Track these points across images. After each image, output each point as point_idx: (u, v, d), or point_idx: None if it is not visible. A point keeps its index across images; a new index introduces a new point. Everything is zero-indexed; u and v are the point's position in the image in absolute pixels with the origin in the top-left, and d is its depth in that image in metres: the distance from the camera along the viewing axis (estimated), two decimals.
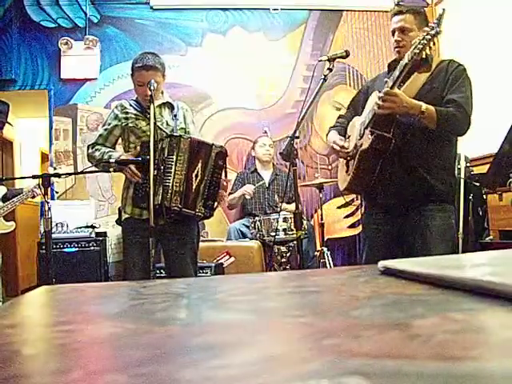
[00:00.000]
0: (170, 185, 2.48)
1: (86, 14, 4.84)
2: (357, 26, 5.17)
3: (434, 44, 1.96)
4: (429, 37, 1.95)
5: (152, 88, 2.51)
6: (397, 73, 2.06)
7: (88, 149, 2.69)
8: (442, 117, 2.07)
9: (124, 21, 4.92)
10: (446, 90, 2.15)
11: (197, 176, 2.56)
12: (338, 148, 2.33)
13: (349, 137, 2.39)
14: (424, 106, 2.06)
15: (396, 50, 2.26)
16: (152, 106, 2.48)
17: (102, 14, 4.89)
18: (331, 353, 0.26)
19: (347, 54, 2.44)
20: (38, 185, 3.56)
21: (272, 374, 0.24)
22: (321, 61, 2.46)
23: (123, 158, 2.53)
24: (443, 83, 2.16)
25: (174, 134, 2.59)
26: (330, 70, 2.37)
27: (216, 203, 2.61)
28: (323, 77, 2.36)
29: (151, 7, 4.94)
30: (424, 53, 1.96)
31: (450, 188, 2.23)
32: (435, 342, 0.27)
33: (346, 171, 2.34)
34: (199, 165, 2.56)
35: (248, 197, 4.18)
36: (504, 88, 4.07)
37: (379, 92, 2.12)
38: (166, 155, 2.51)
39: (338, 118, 2.55)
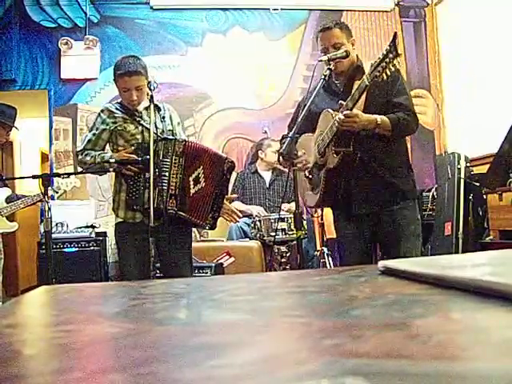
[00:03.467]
0: (166, 188, 2.49)
1: (86, 13, 4.84)
2: (357, 26, 5.17)
3: (393, 66, 1.95)
4: (387, 59, 1.95)
5: (152, 88, 2.51)
6: (356, 95, 2.10)
7: (77, 155, 2.65)
8: (395, 124, 2.19)
9: (124, 21, 4.91)
10: (388, 93, 2.25)
11: (196, 182, 2.56)
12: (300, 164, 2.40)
13: (304, 153, 2.42)
14: (378, 118, 2.16)
15: (347, 54, 2.34)
16: (151, 106, 2.48)
17: (102, 14, 4.89)
18: (331, 353, 0.26)
19: (347, 54, 2.44)
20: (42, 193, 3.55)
21: (272, 374, 0.24)
22: (321, 61, 2.45)
23: (123, 158, 2.52)
24: (385, 87, 2.24)
25: (168, 137, 2.58)
26: (330, 69, 2.37)
27: (219, 214, 2.66)
28: (323, 77, 2.36)
29: (151, 7, 4.94)
30: (385, 75, 1.98)
31: (410, 184, 2.33)
32: (435, 341, 0.27)
33: (312, 189, 2.42)
34: (199, 170, 2.57)
35: (256, 218, 4.15)
36: (504, 88, 4.07)
37: (332, 110, 2.20)
38: (160, 158, 2.50)
39: (282, 139, 2.59)
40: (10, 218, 3.77)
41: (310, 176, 2.41)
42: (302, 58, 5.09)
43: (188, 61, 4.95)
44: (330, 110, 2.24)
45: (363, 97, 2.14)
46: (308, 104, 2.34)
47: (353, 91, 2.13)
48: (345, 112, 2.11)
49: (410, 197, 2.33)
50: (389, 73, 1.98)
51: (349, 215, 2.38)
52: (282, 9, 5.08)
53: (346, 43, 2.34)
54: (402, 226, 2.28)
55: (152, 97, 2.49)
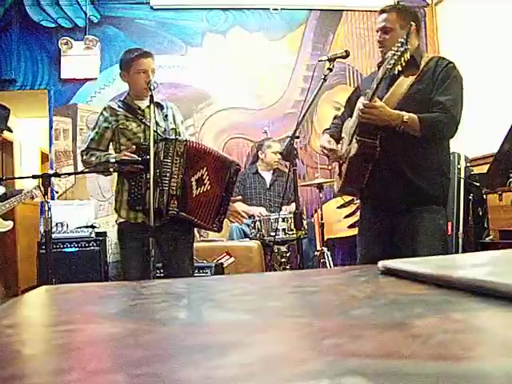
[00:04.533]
0: (167, 189, 2.49)
1: (85, 14, 4.84)
2: (357, 26, 5.17)
3: (405, 61, 1.93)
4: (399, 53, 1.92)
5: (152, 88, 2.50)
6: (374, 85, 2.04)
7: (82, 155, 2.65)
8: (425, 124, 2.07)
9: (124, 21, 4.91)
10: (434, 91, 2.13)
11: (200, 183, 2.56)
12: (326, 152, 2.36)
13: (342, 138, 2.39)
14: (406, 115, 2.05)
15: (380, 49, 2.29)
16: (152, 106, 2.47)
17: (102, 14, 4.89)
18: (331, 353, 0.26)
19: (347, 54, 2.44)
20: (38, 186, 3.55)
21: (272, 374, 0.24)
22: (321, 61, 2.45)
23: (123, 158, 2.52)
24: (431, 84, 2.13)
25: (169, 137, 2.57)
26: (330, 69, 2.37)
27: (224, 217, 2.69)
28: (323, 77, 2.36)
29: (151, 7, 4.94)
30: (396, 68, 1.94)
31: (439, 189, 2.22)
32: (435, 341, 0.27)
33: (339, 174, 2.37)
34: (203, 172, 2.56)
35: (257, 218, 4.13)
36: (504, 88, 4.07)
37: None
38: (161, 159, 2.50)
39: (334, 118, 2.54)
40: (6, 216, 3.77)
41: (340, 161, 2.35)
42: (302, 57, 5.09)
43: (188, 61, 4.95)
44: (362, 98, 2.15)
45: (402, 89, 2.08)
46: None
47: (373, 82, 2.07)
48: (363, 102, 2.05)
49: (434, 201, 2.21)
50: (400, 68, 1.93)
51: (367, 207, 2.35)
52: (281, 9, 5.08)
53: (397, 29, 2.21)
54: (420, 231, 2.17)
55: (152, 96, 2.49)
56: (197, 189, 2.56)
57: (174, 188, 2.51)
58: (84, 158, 2.63)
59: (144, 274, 2.42)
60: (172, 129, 2.68)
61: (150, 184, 2.36)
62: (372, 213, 2.34)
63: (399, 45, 1.93)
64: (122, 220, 2.61)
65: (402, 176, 2.18)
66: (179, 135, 2.72)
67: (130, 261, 2.55)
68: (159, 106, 2.70)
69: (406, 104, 2.10)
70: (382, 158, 2.15)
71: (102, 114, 2.67)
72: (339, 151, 2.32)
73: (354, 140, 2.15)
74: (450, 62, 2.21)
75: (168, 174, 2.50)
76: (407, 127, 2.07)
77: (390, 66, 1.94)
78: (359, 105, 2.07)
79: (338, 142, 2.39)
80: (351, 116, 2.38)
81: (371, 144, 2.11)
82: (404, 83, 2.17)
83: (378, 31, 2.30)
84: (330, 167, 4.92)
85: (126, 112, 2.62)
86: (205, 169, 2.58)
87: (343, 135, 2.40)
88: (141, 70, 2.57)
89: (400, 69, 1.95)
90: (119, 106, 2.65)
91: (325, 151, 2.37)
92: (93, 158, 2.59)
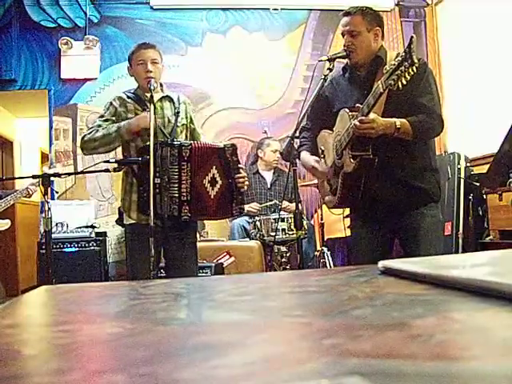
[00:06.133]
0: (177, 195, 2.47)
1: (85, 14, 4.84)
2: None
3: (409, 74, 1.83)
4: (402, 68, 1.83)
5: (152, 88, 2.49)
6: (371, 101, 1.99)
7: (84, 137, 2.56)
8: (416, 128, 2.08)
9: (124, 21, 4.91)
10: (411, 91, 2.08)
11: (214, 183, 2.53)
12: (319, 175, 2.38)
13: (322, 151, 2.37)
14: (398, 122, 2.05)
15: (346, 53, 2.24)
16: (152, 106, 2.46)
17: (102, 14, 4.89)
18: (331, 353, 0.26)
19: (347, 54, 2.43)
20: (34, 183, 3.55)
21: (272, 374, 0.24)
22: (321, 61, 2.44)
23: (122, 159, 2.51)
24: (408, 85, 2.02)
25: (174, 142, 2.53)
26: (330, 69, 2.35)
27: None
28: (323, 77, 2.36)
29: (151, 7, 4.94)
30: (400, 83, 1.86)
31: (435, 186, 2.25)
32: (435, 341, 0.27)
33: (330, 189, 2.34)
34: (213, 171, 2.54)
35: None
36: (504, 88, 4.07)
37: (349, 110, 2.09)
38: (168, 165, 2.47)
39: (302, 131, 2.46)
40: (3, 215, 3.77)
41: (328, 178, 2.34)
42: (302, 57, 5.09)
43: (188, 61, 4.95)
44: (346, 109, 2.13)
45: (383, 96, 2.02)
46: (311, 99, 2.31)
47: (368, 96, 2.01)
48: (360, 118, 2.00)
49: (433, 199, 2.24)
50: (404, 82, 1.86)
51: (364, 216, 2.32)
52: (282, 9, 5.08)
53: (364, 33, 2.20)
54: (424, 230, 2.20)
55: (152, 97, 2.48)
56: (213, 189, 2.54)
57: (185, 193, 2.49)
58: (86, 138, 2.54)
59: (149, 275, 2.39)
60: (183, 125, 2.66)
61: (150, 184, 2.34)
62: (368, 222, 2.32)
63: (400, 59, 1.85)
64: (132, 221, 2.58)
65: (398, 181, 2.19)
66: (192, 132, 2.72)
67: (138, 262, 2.53)
68: (171, 100, 2.68)
69: (389, 110, 2.09)
70: (377, 169, 2.14)
71: (111, 104, 2.64)
72: (326, 172, 2.32)
73: (348, 156, 2.12)
74: (419, 59, 2.13)
75: (177, 181, 2.48)
76: (400, 134, 2.07)
77: (393, 82, 1.86)
78: (354, 121, 2.02)
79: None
80: (321, 125, 2.37)
81: (367, 157, 2.09)
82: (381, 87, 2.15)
83: (343, 35, 2.25)
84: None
85: (136, 104, 2.60)
86: (214, 167, 2.55)
87: (321, 147, 2.38)
88: (140, 60, 2.58)
89: (404, 83, 1.87)
90: (128, 97, 2.63)
91: (313, 172, 2.38)
92: (98, 134, 2.51)
